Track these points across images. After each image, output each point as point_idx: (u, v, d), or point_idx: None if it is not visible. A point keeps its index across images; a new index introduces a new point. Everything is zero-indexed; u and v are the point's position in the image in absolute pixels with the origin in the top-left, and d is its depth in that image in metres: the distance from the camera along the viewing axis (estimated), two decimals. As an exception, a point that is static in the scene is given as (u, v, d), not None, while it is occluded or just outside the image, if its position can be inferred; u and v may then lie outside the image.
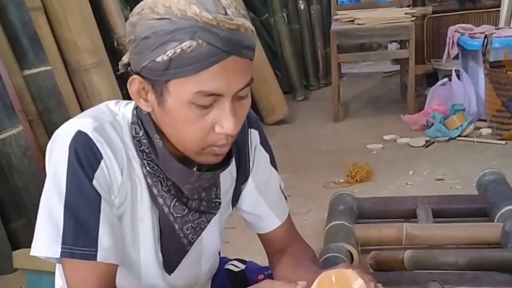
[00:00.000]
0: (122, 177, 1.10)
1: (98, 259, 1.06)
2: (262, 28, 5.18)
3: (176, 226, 1.18)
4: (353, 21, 4.53)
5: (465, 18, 4.97)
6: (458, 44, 4.45)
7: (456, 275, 2.10)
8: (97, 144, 1.06)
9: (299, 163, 3.72)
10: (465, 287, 2.04)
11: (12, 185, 2.66)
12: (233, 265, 1.48)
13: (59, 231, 1.05)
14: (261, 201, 1.31)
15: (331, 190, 3.10)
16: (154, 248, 1.19)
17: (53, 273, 1.29)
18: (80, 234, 1.05)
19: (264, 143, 1.31)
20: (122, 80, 3.06)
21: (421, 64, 4.93)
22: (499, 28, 4.40)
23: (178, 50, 0.98)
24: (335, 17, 4.80)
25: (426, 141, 3.91)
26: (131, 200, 1.13)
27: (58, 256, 1.05)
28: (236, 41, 1.00)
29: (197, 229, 1.21)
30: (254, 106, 4.45)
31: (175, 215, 1.17)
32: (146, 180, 1.14)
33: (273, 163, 1.33)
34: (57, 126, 1.12)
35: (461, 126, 3.92)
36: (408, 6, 4.95)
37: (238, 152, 1.25)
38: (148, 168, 1.13)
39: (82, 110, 2.55)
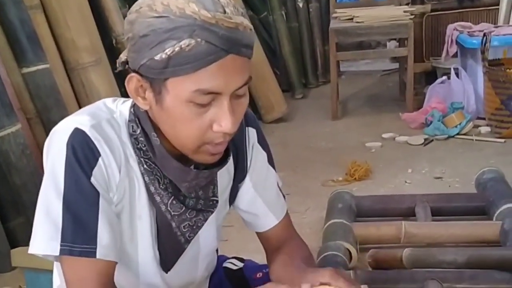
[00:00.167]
0: (120, 175, 1.10)
1: (98, 256, 1.06)
2: (260, 26, 5.18)
3: (173, 224, 1.18)
4: (352, 19, 4.53)
5: (464, 16, 4.98)
6: (457, 42, 4.45)
7: (454, 273, 2.10)
8: (95, 142, 1.06)
9: (297, 161, 3.72)
10: (464, 285, 2.04)
11: (10, 183, 2.66)
12: (231, 263, 1.48)
13: (58, 228, 1.05)
14: (259, 200, 1.31)
15: (329, 188, 3.10)
16: (151, 246, 1.19)
17: (52, 272, 1.29)
18: (79, 231, 1.05)
19: (262, 141, 1.31)
20: (120, 78, 3.06)
21: (420, 62, 4.94)
22: (498, 26, 4.40)
23: (177, 49, 0.98)
24: (334, 15, 4.80)
25: (425, 139, 3.91)
26: (129, 197, 1.13)
27: (57, 253, 1.05)
28: (235, 40, 1.00)
29: (194, 227, 1.21)
30: (253, 104, 4.45)
31: (172, 213, 1.17)
32: (143, 178, 1.13)
33: (270, 161, 1.33)
34: (55, 124, 1.11)
35: (460, 124, 3.92)
36: (407, 4, 4.95)
37: (235, 150, 1.25)
38: (145, 166, 1.13)
39: (80, 109, 2.54)
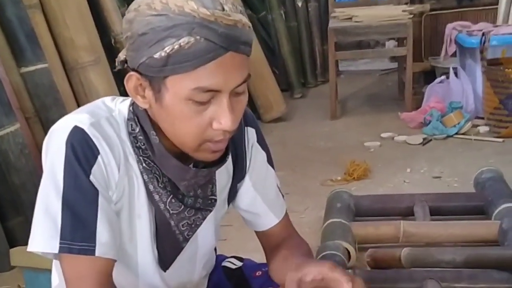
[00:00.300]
0: (119, 173, 1.10)
1: (97, 254, 1.06)
2: (259, 26, 5.18)
3: (172, 223, 1.18)
4: (350, 18, 4.53)
5: (463, 15, 4.98)
6: (455, 42, 4.45)
7: (453, 273, 2.10)
8: (94, 140, 1.06)
9: (296, 161, 3.72)
10: (462, 285, 2.04)
11: (9, 182, 2.66)
12: (230, 262, 1.48)
13: (57, 226, 1.05)
14: (258, 199, 1.31)
15: (328, 187, 3.10)
16: (150, 245, 1.19)
17: (50, 271, 1.29)
18: (78, 229, 1.05)
19: (261, 141, 1.31)
20: (119, 77, 3.06)
21: (419, 62, 4.94)
22: (497, 26, 4.40)
23: (176, 46, 0.98)
24: (333, 14, 4.80)
25: (424, 139, 3.91)
26: (128, 196, 1.13)
27: (57, 251, 1.05)
28: (234, 37, 1.00)
29: (193, 225, 1.21)
30: (252, 103, 4.45)
31: (171, 211, 1.17)
32: (142, 176, 1.13)
33: (270, 161, 1.34)
34: (54, 123, 1.11)
35: (458, 123, 3.92)
36: (406, 3, 4.95)
37: (234, 150, 1.25)
38: (144, 164, 1.13)
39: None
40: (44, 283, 1.81)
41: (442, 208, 2.65)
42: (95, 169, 1.06)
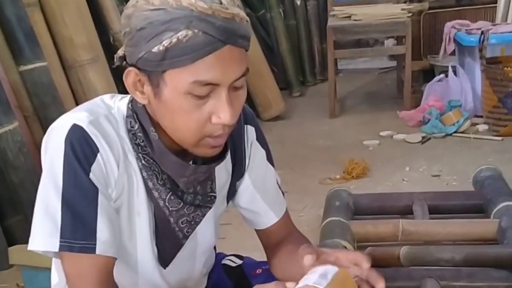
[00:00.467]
0: (119, 171, 1.10)
1: (97, 252, 1.06)
2: (258, 24, 5.18)
3: (171, 220, 1.18)
4: (349, 17, 4.53)
5: (461, 14, 4.99)
6: (454, 40, 4.45)
7: (452, 271, 2.09)
8: (93, 137, 1.06)
9: (295, 159, 3.73)
10: (461, 283, 2.04)
11: (8, 181, 2.66)
12: (230, 260, 1.48)
13: (57, 224, 1.04)
14: (258, 197, 1.31)
15: (327, 186, 3.10)
16: (150, 242, 1.19)
17: (49, 269, 1.29)
18: (78, 227, 1.05)
19: (261, 139, 1.31)
20: (118, 76, 3.05)
21: (418, 60, 4.94)
22: (496, 24, 4.40)
23: (174, 40, 0.98)
24: (332, 13, 4.80)
25: (423, 137, 3.92)
26: (127, 193, 1.13)
27: (57, 250, 1.05)
28: (232, 30, 1.00)
29: (192, 223, 1.21)
30: (251, 101, 4.45)
31: (171, 208, 1.16)
32: (141, 173, 1.13)
33: (269, 159, 1.33)
34: (53, 122, 1.11)
35: (457, 122, 3.93)
36: (405, 2, 4.96)
37: (234, 148, 1.25)
38: (143, 161, 1.13)
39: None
40: (43, 281, 1.81)
41: (441, 207, 2.64)
42: (94, 167, 1.06)
